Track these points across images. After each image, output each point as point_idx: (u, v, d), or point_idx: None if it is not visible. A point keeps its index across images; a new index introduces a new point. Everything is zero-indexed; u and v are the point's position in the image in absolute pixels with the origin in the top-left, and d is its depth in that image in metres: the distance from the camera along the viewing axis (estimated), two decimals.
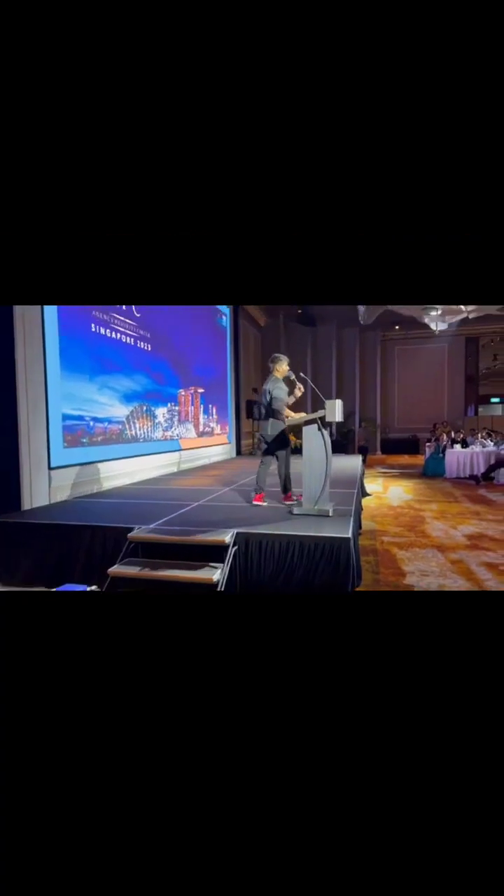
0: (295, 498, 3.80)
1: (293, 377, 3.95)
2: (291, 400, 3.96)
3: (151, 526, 3.17)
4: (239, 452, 10.30)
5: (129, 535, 2.99)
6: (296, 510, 3.45)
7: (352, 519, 3.26)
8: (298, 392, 3.95)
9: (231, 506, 3.95)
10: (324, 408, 3.41)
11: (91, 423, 4.93)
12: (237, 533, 2.94)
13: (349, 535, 2.86)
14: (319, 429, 3.37)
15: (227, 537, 2.85)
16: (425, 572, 3.43)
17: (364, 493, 6.44)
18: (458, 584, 3.18)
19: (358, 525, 4.06)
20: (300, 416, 3.60)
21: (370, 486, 7.53)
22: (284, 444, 3.93)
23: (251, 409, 10.76)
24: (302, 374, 3.83)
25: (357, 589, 2.95)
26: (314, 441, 3.40)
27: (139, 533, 3.01)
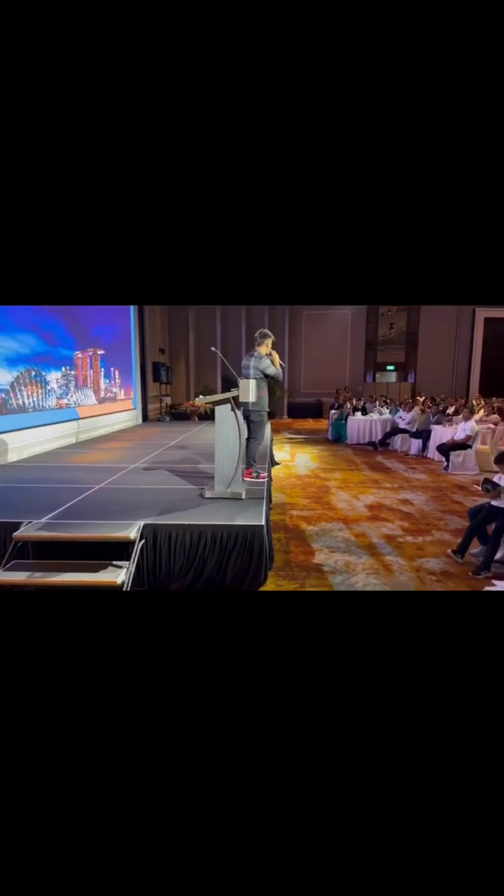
0: (255, 475, 3.82)
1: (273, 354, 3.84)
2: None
3: (43, 520, 2.78)
4: (146, 418, 9.76)
5: (15, 533, 2.59)
6: (207, 493, 3.30)
7: (265, 502, 3.20)
8: (276, 365, 3.86)
9: (137, 489, 3.66)
10: (236, 386, 3.23)
11: None
12: (144, 525, 2.71)
13: (263, 521, 2.80)
14: (232, 409, 3.19)
15: (133, 532, 2.61)
16: (332, 548, 3.56)
17: (273, 462, 6.52)
18: (362, 559, 3.34)
19: (269, 500, 4.06)
20: (213, 396, 3.36)
21: (278, 453, 7.66)
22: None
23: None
24: (213, 348, 3.56)
25: (271, 572, 2.94)
26: (227, 422, 3.21)
27: (27, 531, 2.63)
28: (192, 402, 11.00)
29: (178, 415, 10.90)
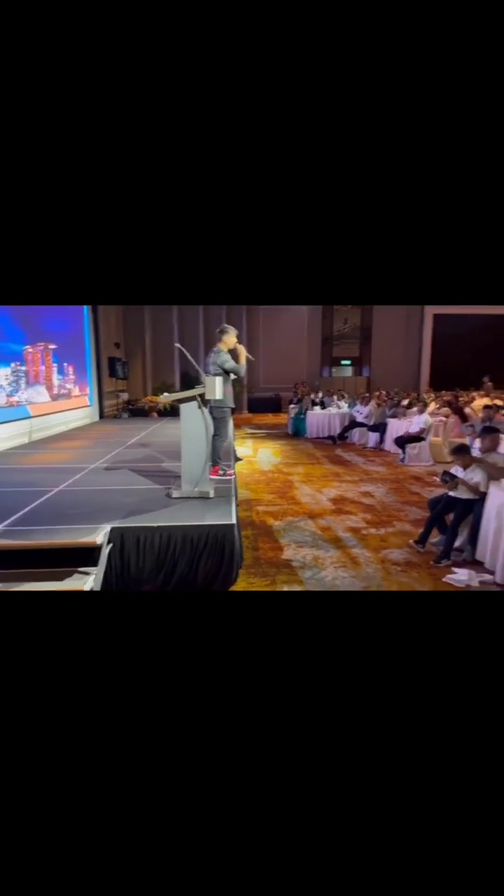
0: (221, 472, 3.74)
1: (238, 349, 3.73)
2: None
3: (0, 527, 2.62)
4: (102, 416, 9.43)
5: None
6: (175, 493, 3.23)
7: (234, 500, 3.18)
8: (243, 360, 3.75)
9: (99, 490, 3.52)
10: (202, 383, 3.18)
11: None
12: (112, 529, 2.61)
13: (233, 520, 2.78)
14: (199, 407, 3.13)
15: (100, 536, 2.51)
16: (300, 543, 3.60)
17: (236, 458, 6.51)
18: (329, 553, 3.41)
19: (236, 497, 4.04)
20: (179, 394, 3.28)
21: (241, 449, 7.66)
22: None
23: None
24: (178, 345, 3.48)
25: (241, 570, 2.93)
26: (193, 419, 3.16)
27: None
28: (150, 397, 10.75)
29: (136, 411, 10.60)
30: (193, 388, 3.17)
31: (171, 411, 9.13)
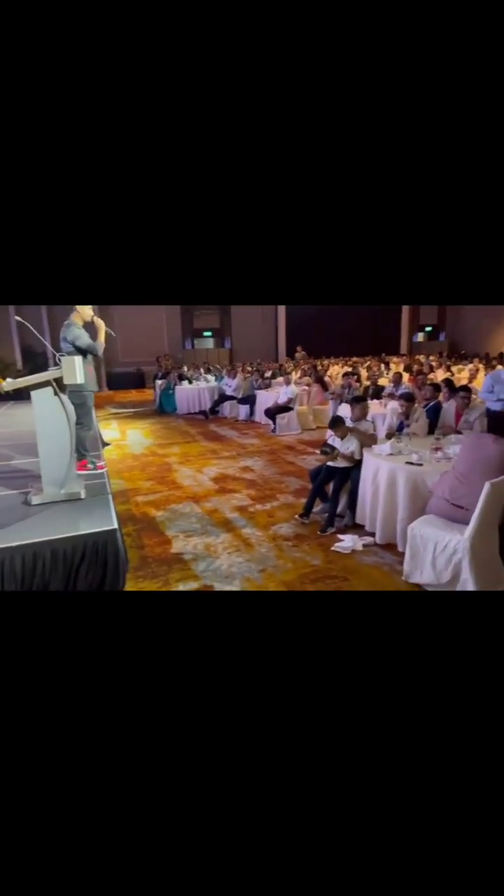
0: (91, 466, 3.30)
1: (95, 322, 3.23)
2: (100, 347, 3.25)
3: None
4: None
5: None
6: (35, 499, 2.68)
7: (111, 498, 2.78)
8: (102, 336, 3.26)
9: None
10: (58, 365, 2.64)
11: None
12: None
13: (114, 524, 2.41)
14: (56, 393, 2.59)
15: None
16: (188, 532, 3.38)
17: (104, 444, 5.88)
18: (220, 539, 3.27)
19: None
20: (25, 379, 2.67)
21: (106, 431, 7.00)
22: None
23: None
24: (17, 318, 2.81)
25: (129, 573, 2.59)
26: (50, 409, 2.61)
27: None
28: None
29: None
30: (46, 370, 2.62)
31: (13, 395, 7.82)
